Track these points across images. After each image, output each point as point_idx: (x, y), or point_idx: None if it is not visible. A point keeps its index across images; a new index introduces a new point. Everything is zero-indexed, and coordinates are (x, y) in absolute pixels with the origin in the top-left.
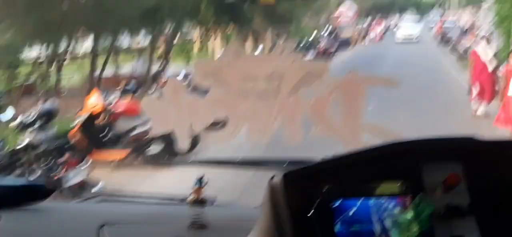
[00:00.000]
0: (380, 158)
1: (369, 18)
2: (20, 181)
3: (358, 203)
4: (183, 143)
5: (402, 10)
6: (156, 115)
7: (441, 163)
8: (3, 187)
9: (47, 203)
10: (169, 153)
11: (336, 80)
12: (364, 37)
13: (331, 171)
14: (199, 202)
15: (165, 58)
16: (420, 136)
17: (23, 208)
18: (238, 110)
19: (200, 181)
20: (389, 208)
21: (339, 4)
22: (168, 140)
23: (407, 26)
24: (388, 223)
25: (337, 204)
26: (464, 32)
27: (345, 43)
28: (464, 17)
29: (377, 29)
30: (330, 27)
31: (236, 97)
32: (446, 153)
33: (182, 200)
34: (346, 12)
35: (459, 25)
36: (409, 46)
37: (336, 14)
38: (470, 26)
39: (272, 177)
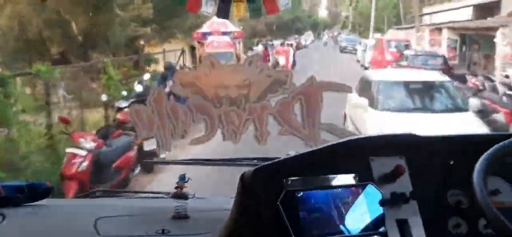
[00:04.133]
0: (335, 154)
1: (265, 41)
2: (22, 182)
3: (319, 193)
4: (165, 145)
5: (298, 31)
6: (142, 121)
7: (387, 157)
8: (7, 187)
9: (48, 201)
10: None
11: (297, 87)
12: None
13: (295, 167)
14: (181, 196)
15: None
16: (369, 134)
17: (25, 206)
18: (213, 115)
19: (182, 178)
20: (344, 197)
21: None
22: None
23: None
24: (344, 210)
25: (300, 194)
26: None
27: None
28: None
29: (285, 54)
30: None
31: (211, 103)
32: (391, 148)
33: (167, 195)
34: (218, 33)
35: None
36: None
37: (198, 35)
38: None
39: (244, 173)
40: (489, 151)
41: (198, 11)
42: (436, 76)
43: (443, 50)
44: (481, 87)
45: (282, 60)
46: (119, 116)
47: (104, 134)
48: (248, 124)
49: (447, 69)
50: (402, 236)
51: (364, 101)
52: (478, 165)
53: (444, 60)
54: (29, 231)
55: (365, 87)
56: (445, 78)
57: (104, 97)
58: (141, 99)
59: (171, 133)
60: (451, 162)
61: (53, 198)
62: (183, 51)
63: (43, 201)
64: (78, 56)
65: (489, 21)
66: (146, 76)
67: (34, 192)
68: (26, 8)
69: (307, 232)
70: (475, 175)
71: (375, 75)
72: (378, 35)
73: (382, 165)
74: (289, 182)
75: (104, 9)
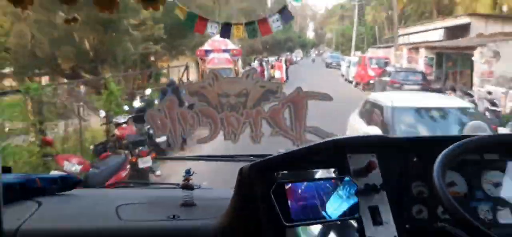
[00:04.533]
0: (318, 152)
1: (261, 58)
2: (56, 175)
3: (304, 184)
4: (176, 144)
5: (290, 49)
6: (156, 124)
7: (362, 154)
8: (43, 179)
9: (77, 191)
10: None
11: (286, 96)
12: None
13: (284, 162)
14: (189, 186)
15: None
16: (346, 135)
17: (58, 195)
18: (216, 119)
19: (187, 172)
20: (326, 188)
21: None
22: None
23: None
24: (325, 199)
25: (289, 186)
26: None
27: None
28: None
29: (279, 69)
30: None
31: (214, 109)
32: (365, 147)
33: (177, 185)
34: (218, 51)
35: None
36: None
37: (201, 52)
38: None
39: (242, 168)
40: (446, 150)
41: (204, 32)
42: (457, 102)
43: (420, 66)
44: None
45: (277, 74)
46: (117, 131)
47: (101, 149)
48: (245, 126)
49: (426, 85)
50: (373, 220)
51: (376, 130)
52: (437, 161)
53: (423, 76)
54: (61, 216)
55: (371, 113)
56: (467, 104)
57: (102, 113)
58: (139, 115)
59: (181, 134)
60: (415, 159)
61: (81, 189)
62: (187, 67)
63: (73, 191)
64: (90, 71)
65: (464, 41)
66: (148, 91)
67: (65, 183)
68: (40, 25)
69: (294, 218)
70: (435, 169)
71: (385, 99)
72: (358, 53)
73: (357, 161)
74: (280, 175)
75: (117, 29)
